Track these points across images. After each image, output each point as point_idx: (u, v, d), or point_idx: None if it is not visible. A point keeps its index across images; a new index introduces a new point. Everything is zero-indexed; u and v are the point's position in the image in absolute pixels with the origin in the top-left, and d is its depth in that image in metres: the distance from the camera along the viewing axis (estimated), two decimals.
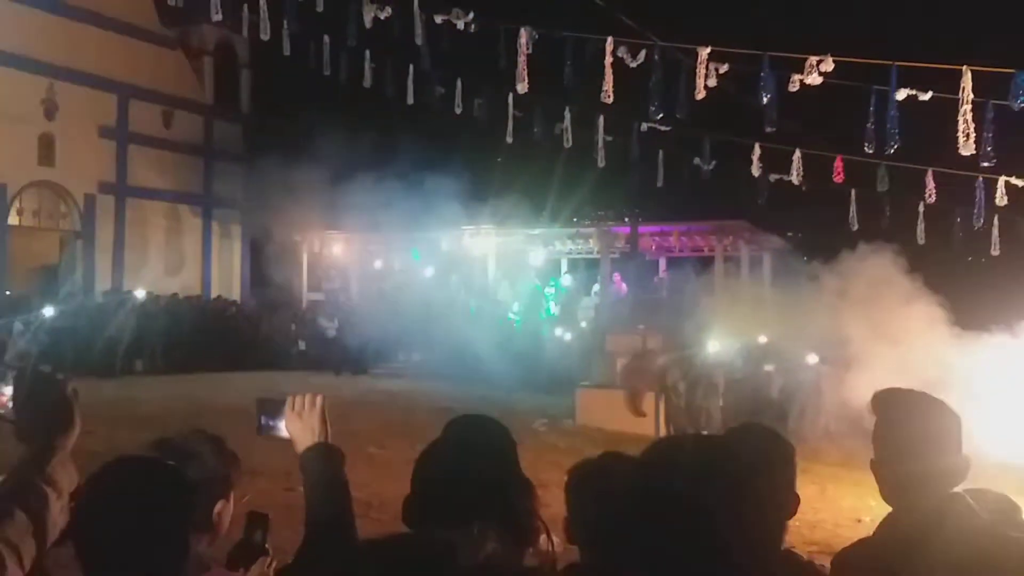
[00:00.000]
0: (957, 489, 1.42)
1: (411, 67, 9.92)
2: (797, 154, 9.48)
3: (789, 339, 9.25)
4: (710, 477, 0.95)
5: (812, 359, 9.17)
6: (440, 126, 13.13)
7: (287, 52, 9.90)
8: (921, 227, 9.86)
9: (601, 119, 9.97)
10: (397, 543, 0.85)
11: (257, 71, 19.83)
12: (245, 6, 9.84)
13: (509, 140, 10.57)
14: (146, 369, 13.56)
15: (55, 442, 1.09)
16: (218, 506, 1.52)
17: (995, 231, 9.31)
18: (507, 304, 16.27)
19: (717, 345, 9.29)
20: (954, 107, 7.01)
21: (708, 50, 7.73)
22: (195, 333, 14.76)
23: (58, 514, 1.04)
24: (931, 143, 8.34)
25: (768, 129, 8.32)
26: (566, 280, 17.77)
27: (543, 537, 1.52)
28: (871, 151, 8.04)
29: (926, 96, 7.31)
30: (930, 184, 8.95)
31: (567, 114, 9.94)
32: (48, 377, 1.16)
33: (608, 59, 7.99)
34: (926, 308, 7.92)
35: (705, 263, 16.09)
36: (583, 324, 14.26)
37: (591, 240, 17.28)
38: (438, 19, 8.89)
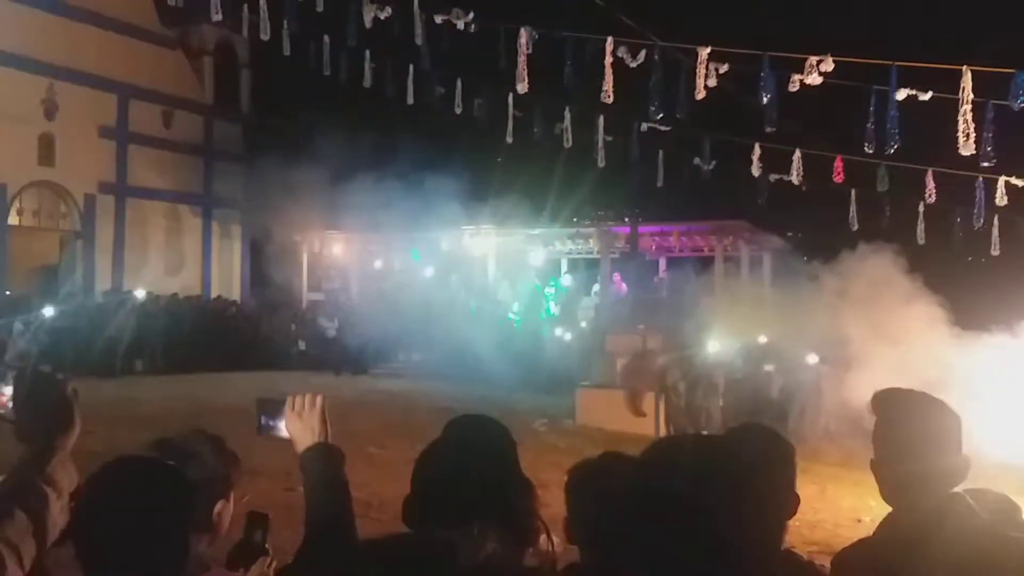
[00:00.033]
0: (957, 489, 1.42)
1: (411, 67, 9.93)
2: (797, 154, 9.48)
3: (789, 339, 9.25)
4: (710, 477, 0.95)
5: (812, 359, 9.18)
6: (440, 126, 13.14)
7: (287, 52, 9.91)
8: (921, 227, 9.86)
9: (601, 119, 9.98)
10: (397, 543, 0.85)
11: (257, 71, 19.85)
12: (245, 6, 9.84)
13: (509, 140, 10.58)
14: (146, 369, 13.57)
15: (55, 442, 1.09)
16: (218, 506, 1.52)
17: (995, 231, 9.32)
18: (507, 304, 16.27)
19: (717, 345, 9.30)
20: (954, 107, 7.01)
21: (708, 50, 7.74)
22: (195, 333, 14.77)
23: (58, 514, 1.04)
24: (931, 143, 8.35)
25: (768, 129, 8.32)
26: (566, 280, 17.78)
27: (543, 537, 1.51)
28: (871, 151, 8.05)
29: (926, 96, 7.31)
30: (930, 184, 8.96)
31: (567, 114, 9.95)
32: (48, 377, 1.16)
33: (608, 59, 8.00)
34: (926, 308, 7.93)
35: (705, 263, 16.10)
36: (583, 324, 14.27)
37: (591, 240, 17.29)
38: (438, 19, 8.89)
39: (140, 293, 15.09)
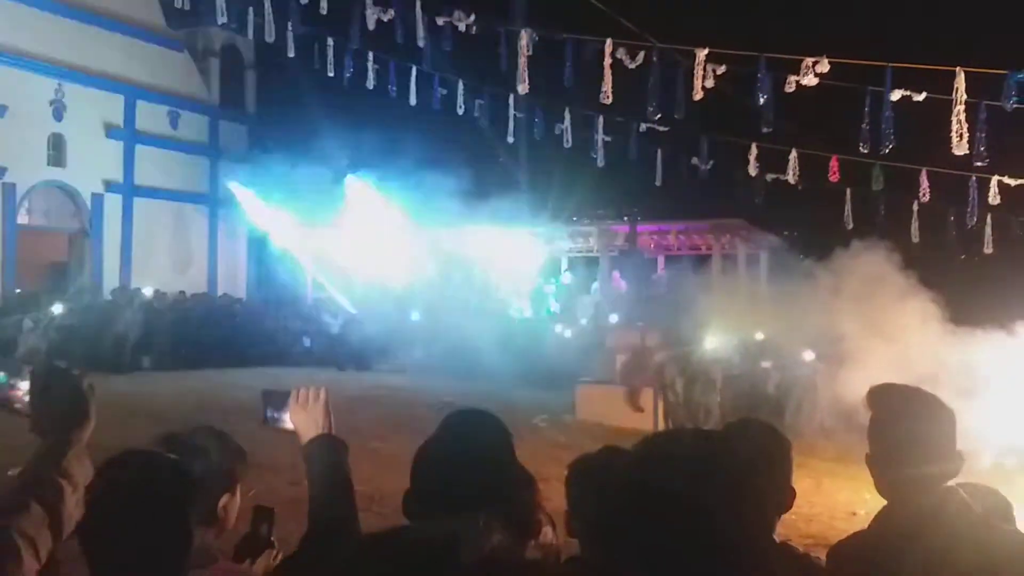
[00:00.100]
0: (951, 483, 1.43)
1: (413, 68, 10.06)
2: (793, 154, 9.59)
3: (785, 336, 9.31)
4: (707, 471, 0.95)
5: (808, 356, 9.24)
6: (442, 126, 13.28)
7: (291, 53, 10.07)
8: (915, 225, 9.94)
9: (600, 119, 10.10)
10: (402, 535, 0.85)
11: (262, 72, 20.01)
12: (250, 9, 9.99)
13: (510, 140, 10.72)
14: (154, 365, 13.64)
15: (71, 436, 1.09)
16: (223, 499, 1.52)
17: (988, 229, 9.42)
18: (508, 301, 16.40)
19: (715, 342, 9.38)
20: (948, 108, 7.12)
21: (706, 52, 7.85)
22: (202, 330, 14.88)
23: (73, 507, 1.05)
24: (925, 143, 8.45)
25: (765, 129, 8.45)
26: (566, 278, 17.87)
27: (548, 530, 1.56)
28: (866, 151, 8.17)
29: (920, 97, 7.43)
30: (924, 183, 9.06)
31: (567, 114, 10.07)
32: (64, 372, 1.16)
33: (607, 60, 8.12)
34: (920, 305, 7.99)
35: (703, 261, 16.19)
36: (583, 321, 14.38)
37: (591, 238, 17.35)
38: (440, 21, 9.03)
39: (147, 291, 15.24)
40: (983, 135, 7.27)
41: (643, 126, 10.10)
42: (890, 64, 7.47)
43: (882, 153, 8.20)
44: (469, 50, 9.38)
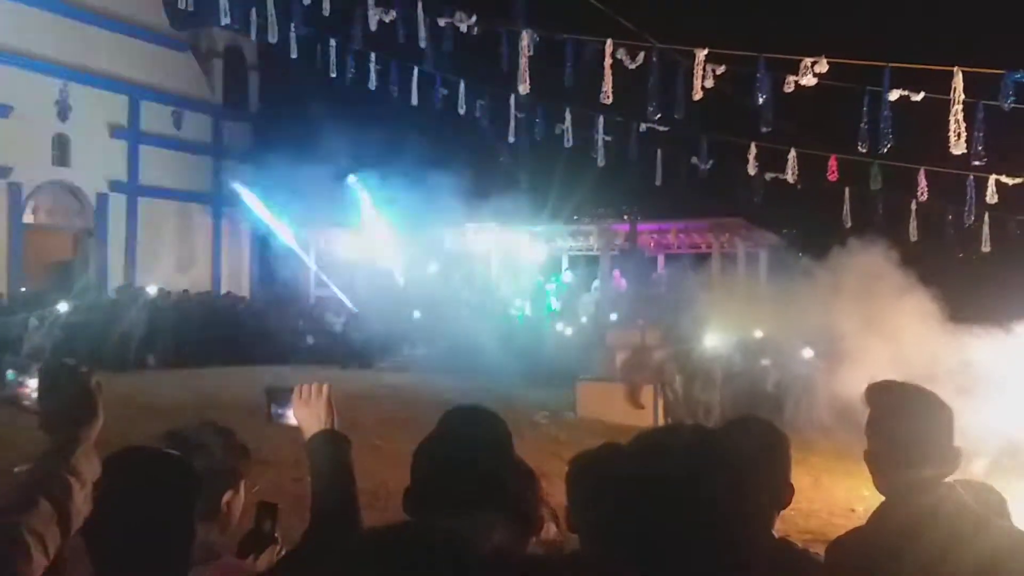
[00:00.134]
0: (949, 479, 1.44)
1: (415, 69, 10.12)
2: (792, 153, 9.62)
3: (785, 334, 9.35)
4: (703, 466, 0.95)
5: (807, 353, 9.29)
6: (443, 126, 13.34)
7: (294, 54, 10.14)
8: (913, 224, 9.97)
9: (601, 119, 10.13)
10: (405, 531, 0.85)
11: (265, 72, 20.13)
12: (253, 10, 10.06)
13: (511, 140, 10.77)
14: (158, 363, 13.74)
15: (79, 433, 1.09)
16: (226, 496, 1.53)
17: (985, 228, 9.45)
18: (509, 300, 16.48)
19: (714, 340, 9.44)
20: (945, 107, 7.15)
21: (705, 52, 7.89)
22: (205, 328, 14.95)
23: (82, 503, 1.05)
24: (923, 142, 8.48)
25: (764, 129, 8.48)
26: (567, 276, 17.92)
27: (551, 526, 1.58)
28: (864, 150, 8.21)
29: (918, 96, 7.46)
30: (922, 182, 9.09)
31: (567, 114, 10.11)
32: (72, 370, 1.15)
33: (607, 61, 8.16)
34: (918, 303, 8.03)
35: (702, 260, 16.25)
36: (583, 319, 14.45)
37: (591, 237, 17.46)
38: (441, 22, 9.08)
39: (152, 289, 15.33)
40: (981, 135, 7.31)
41: (643, 126, 10.14)
42: (888, 64, 7.50)
43: (880, 152, 8.23)
44: (470, 51, 9.44)
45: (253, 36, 10.86)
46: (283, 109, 20.07)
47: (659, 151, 11.03)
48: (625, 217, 16.21)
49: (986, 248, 9.56)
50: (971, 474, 1.62)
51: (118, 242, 17.34)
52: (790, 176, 9.68)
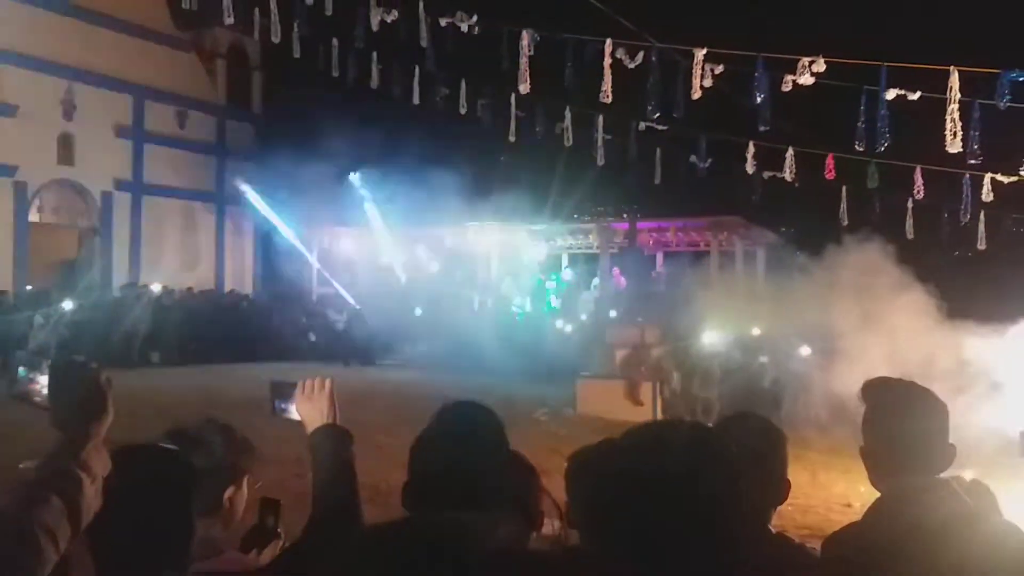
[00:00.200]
0: (943, 475, 1.46)
1: (416, 68, 10.19)
2: (790, 152, 9.67)
3: (782, 331, 9.41)
4: (703, 463, 0.96)
5: (804, 350, 9.34)
6: (444, 126, 13.42)
7: (297, 54, 10.21)
8: (910, 222, 10.01)
9: (600, 119, 10.18)
10: (410, 527, 0.85)
11: (268, 72, 20.25)
12: (256, 10, 10.14)
13: (512, 139, 10.84)
14: (162, 360, 13.85)
15: (89, 429, 1.10)
16: (228, 492, 1.53)
17: (981, 226, 9.49)
18: (510, 298, 16.55)
19: (712, 337, 9.50)
20: (942, 106, 7.21)
21: (704, 51, 7.95)
22: (209, 326, 15.08)
23: (92, 498, 1.06)
24: (919, 141, 8.52)
25: (762, 128, 8.52)
26: (567, 274, 18.00)
27: (552, 522, 1.58)
28: (861, 149, 8.25)
29: (915, 96, 7.51)
30: (918, 181, 9.13)
31: (567, 114, 10.16)
32: (82, 366, 1.16)
33: (607, 60, 8.23)
34: (914, 301, 8.09)
35: (701, 257, 16.31)
36: (583, 317, 14.53)
37: (591, 236, 17.57)
38: (443, 22, 9.17)
39: (156, 287, 15.47)
40: (977, 133, 7.36)
41: (642, 125, 10.18)
42: (885, 64, 7.54)
43: (877, 151, 8.29)
44: (471, 50, 9.51)
45: (256, 36, 10.96)
46: (286, 108, 20.21)
47: (658, 150, 11.09)
48: (624, 216, 16.35)
49: (982, 246, 9.60)
50: (964, 468, 1.65)
51: (123, 240, 17.46)
52: (788, 175, 9.73)
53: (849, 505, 5.69)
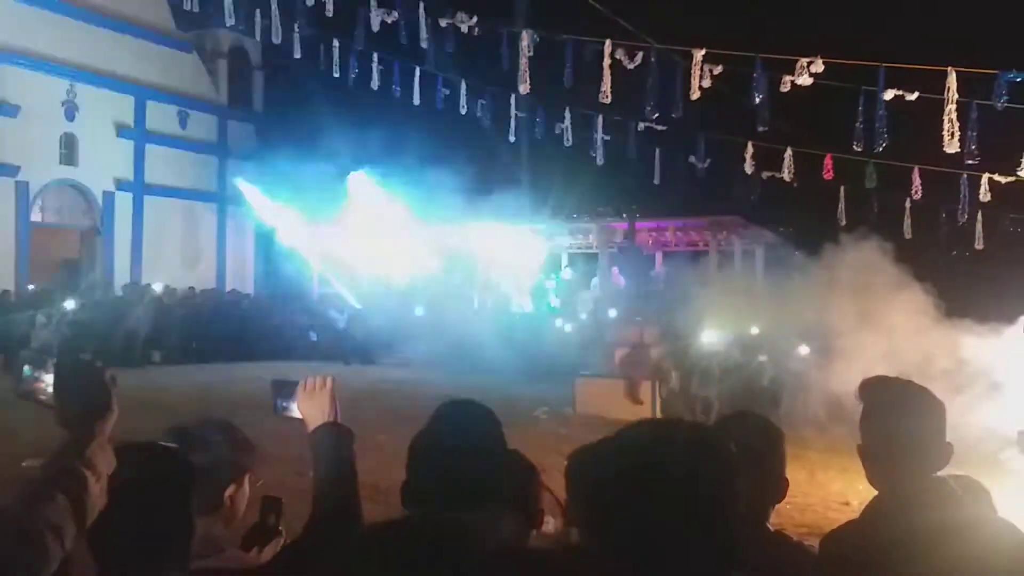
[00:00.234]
0: (940, 474, 1.46)
1: (417, 69, 10.25)
2: (788, 152, 9.73)
3: (781, 330, 9.43)
4: (701, 462, 0.96)
5: (803, 349, 9.37)
6: (445, 125, 13.47)
7: (298, 54, 10.29)
8: (908, 222, 10.06)
9: (600, 119, 10.25)
10: (412, 525, 0.86)
11: (269, 72, 20.31)
12: (258, 11, 10.21)
13: (512, 139, 10.91)
14: (164, 360, 13.86)
15: (94, 427, 1.11)
16: (229, 490, 1.54)
17: (979, 226, 9.55)
18: (509, 297, 16.60)
19: (711, 336, 9.53)
20: (940, 107, 7.27)
21: (703, 52, 8.00)
22: (211, 325, 15.11)
23: (97, 496, 1.07)
24: (917, 141, 8.57)
25: (761, 128, 8.59)
26: (566, 274, 18.05)
27: (552, 520, 1.60)
28: (860, 149, 8.31)
29: (912, 96, 7.56)
30: (916, 181, 9.18)
31: (567, 114, 10.23)
32: (87, 365, 1.18)
33: (607, 61, 8.29)
34: (912, 300, 8.11)
35: (700, 257, 16.34)
36: (582, 316, 14.58)
37: (590, 235, 17.60)
38: (443, 23, 9.22)
39: (157, 287, 15.54)
40: (974, 134, 7.41)
41: (642, 125, 10.24)
42: (883, 64, 7.60)
43: (875, 151, 8.34)
44: (471, 51, 9.56)
45: (257, 36, 11.02)
46: (287, 108, 20.28)
47: (657, 150, 11.17)
48: (624, 215, 16.36)
49: (979, 245, 9.67)
50: (960, 466, 1.63)
51: (124, 240, 17.51)
52: (786, 175, 9.79)
53: (847, 503, 5.69)
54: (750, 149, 9.75)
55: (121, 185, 17.48)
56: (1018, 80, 7.14)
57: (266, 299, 18.32)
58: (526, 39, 8.73)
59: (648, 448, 1.00)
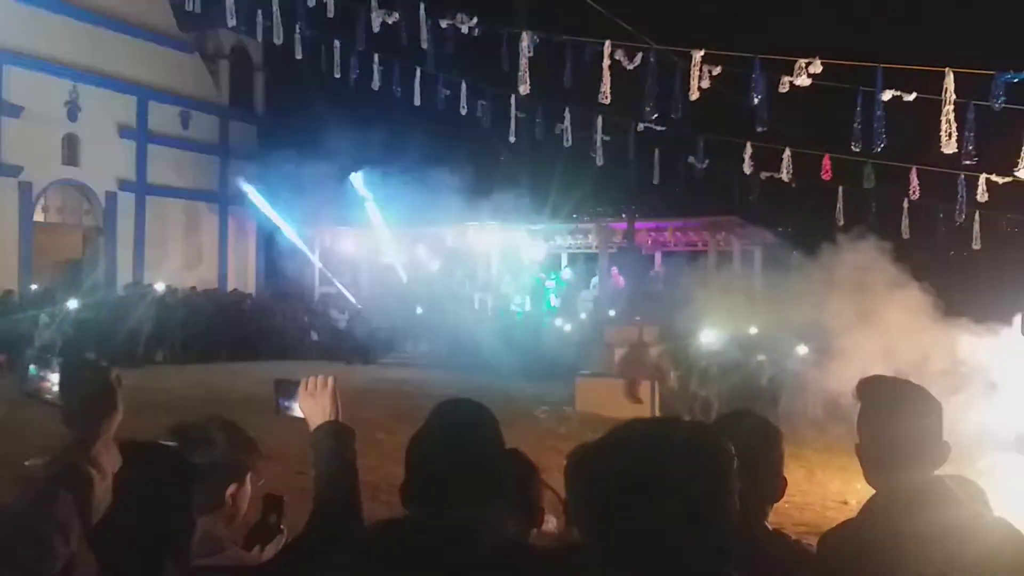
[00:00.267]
0: (937, 473, 1.47)
1: (417, 69, 10.29)
2: (787, 153, 9.75)
3: (779, 330, 9.47)
4: (700, 461, 0.96)
5: (801, 349, 9.41)
6: (445, 126, 13.51)
7: (299, 55, 10.33)
8: (905, 222, 10.08)
9: (599, 119, 10.26)
10: (412, 524, 0.88)
11: (271, 73, 20.36)
12: (259, 12, 10.26)
13: (512, 139, 10.94)
14: (166, 359, 13.94)
15: (100, 426, 1.11)
16: (231, 489, 1.54)
17: (976, 226, 9.57)
18: (509, 297, 16.67)
19: (710, 335, 9.58)
20: (937, 107, 7.29)
21: (702, 53, 8.03)
22: (212, 324, 15.17)
23: (102, 494, 1.07)
24: (915, 142, 8.60)
25: (759, 129, 8.60)
26: (566, 274, 18.10)
27: (552, 519, 1.61)
28: (858, 150, 8.33)
29: (910, 97, 7.58)
30: (914, 181, 9.21)
31: (567, 114, 10.25)
32: (92, 364, 1.18)
33: (606, 62, 8.32)
34: (910, 300, 8.15)
35: (698, 257, 16.46)
36: (582, 316, 14.62)
37: (590, 235, 17.68)
38: (443, 23, 9.26)
39: (160, 286, 15.52)
40: (972, 134, 7.43)
41: (641, 126, 10.26)
42: (881, 65, 7.62)
43: (873, 152, 8.37)
44: (472, 52, 9.60)
45: (259, 37, 11.06)
46: (288, 109, 20.34)
47: (656, 150, 11.19)
48: (623, 215, 16.41)
49: (977, 246, 9.68)
50: (957, 466, 1.64)
51: (127, 240, 17.57)
52: (785, 175, 9.81)
53: (845, 502, 5.75)
54: (749, 149, 9.76)
55: (123, 185, 17.54)
56: (1015, 81, 7.17)
57: (267, 299, 18.37)
58: (526, 40, 8.76)
59: (647, 447, 1.01)
